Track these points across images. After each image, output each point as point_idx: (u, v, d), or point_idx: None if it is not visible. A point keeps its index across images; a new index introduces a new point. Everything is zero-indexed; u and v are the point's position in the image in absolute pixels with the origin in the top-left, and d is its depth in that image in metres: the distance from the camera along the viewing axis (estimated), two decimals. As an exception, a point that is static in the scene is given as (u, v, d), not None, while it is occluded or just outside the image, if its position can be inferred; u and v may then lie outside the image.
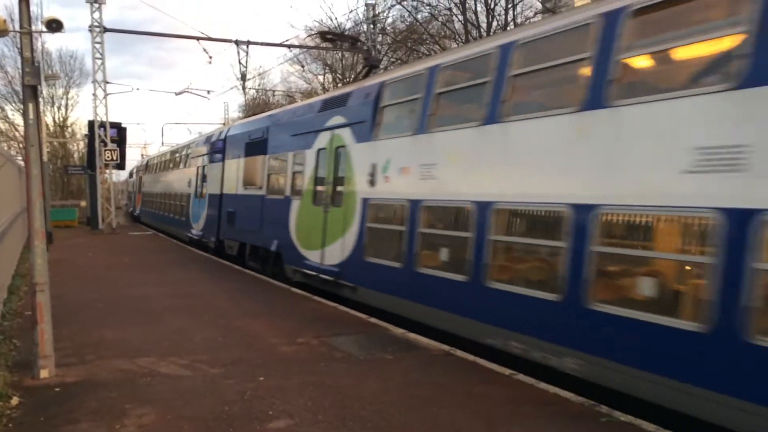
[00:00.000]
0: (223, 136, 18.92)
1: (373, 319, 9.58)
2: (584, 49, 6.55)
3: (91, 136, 28.01)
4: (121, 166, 29.99)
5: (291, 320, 9.46)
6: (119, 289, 12.16)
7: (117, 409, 5.60)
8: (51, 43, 66.88)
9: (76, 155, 53.64)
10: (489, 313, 7.54)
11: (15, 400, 5.76)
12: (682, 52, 6.02)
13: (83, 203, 36.20)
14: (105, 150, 26.95)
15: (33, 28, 6.88)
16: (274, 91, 44.75)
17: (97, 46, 26.30)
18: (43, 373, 6.49)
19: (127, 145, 30.29)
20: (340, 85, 33.43)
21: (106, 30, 26.13)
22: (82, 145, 44.37)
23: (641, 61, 6.33)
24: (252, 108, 45.39)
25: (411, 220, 9.00)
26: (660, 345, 5.48)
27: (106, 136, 27.12)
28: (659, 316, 5.54)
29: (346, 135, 11.23)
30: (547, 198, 6.86)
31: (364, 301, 10.31)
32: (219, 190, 18.33)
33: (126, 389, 6.15)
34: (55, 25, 6.92)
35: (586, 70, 6.51)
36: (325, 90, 35.31)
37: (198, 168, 21.42)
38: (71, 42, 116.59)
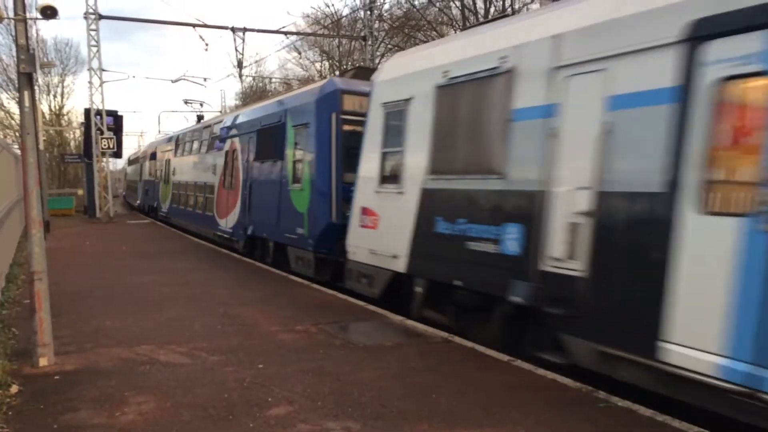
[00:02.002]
0: (145, 148, 38.26)
1: (371, 307, 9.61)
2: (206, 136, 20.60)
3: (87, 125, 27.90)
4: (117, 154, 29.89)
5: (290, 308, 9.48)
6: (117, 278, 12.17)
7: (116, 397, 5.61)
8: (46, 30, 66.64)
9: (72, 144, 53.41)
10: (188, 220, 22.62)
11: (14, 388, 5.77)
12: (205, 135, 20.75)
13: (80, 192, 36.16)
14: (101, 138, 26.87)
15: (27, 15, 6.80)
16: (271, 78, 44.55)
17: (93, 33, 26.14)
18: (42, 362, 6.50)
19: (123, 133, 30.16)
20: (336, 72, 33.26)
21: (101, 17, 25.96)
22: (78, 133, 44.25)
23: (222, 140, 18.79)
24: (249, 95, 45.21)
25: (177, 189, 24.19)
26: (204, 219, 19.73)
27: (102, 124, 27.03)
28: (207, 213, 19.46)
29: (199, 161, 22.88)
30: (203, 179, 19.87)
31: (173, 222, 25.43)
32: (146, 177, 33.65)
33: (125, 377, 6.16)
34: (49, 12, 6.83)
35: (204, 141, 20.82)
36: (322, 77, 35.09)
37: (141, 165, 36.05)
38: (67, 29, 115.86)
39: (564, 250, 6.19)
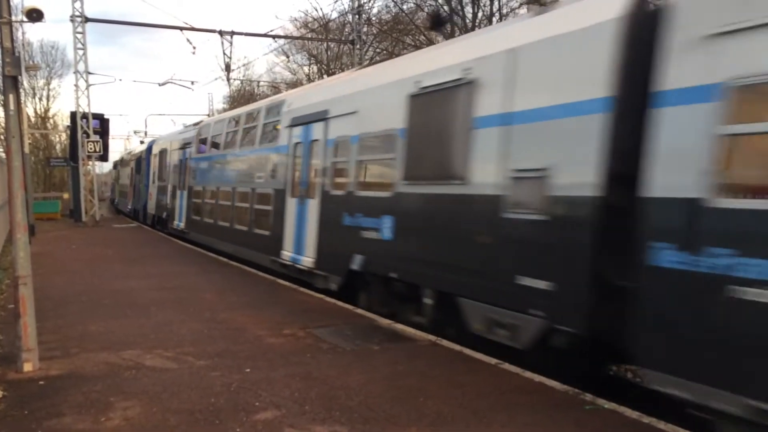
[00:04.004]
0: (114, 161, 51.00)
1: (359, 310, 9.61)
2: (129, 158, 39.89)
3: (73, 128, 27.69)
4: (104, 157, 29.72)
5: (277, 312, 9.46)
6: (103, 282, 12.08)
7: (102, 402, 5.57)
8: (33, 33, 66.33)
9: (58, 147, 53.10)
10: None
11: (-2, 394, 5.71)
12: (129, 158, 40.49)
13: (66, 195, 35.94)
14: (87, 141, 26.68)
15: (13, 17, 6.76)
16: (259, 82, 44.48)
17: (79, 36, 25.98)
18: (27, 367, 6.44)
19: (110, 137, 30.12)
20: (325, 75, 33.28)
21: (87, 20, 25.81)
22: (64, 136, 44.04)
23: None
24: (237, 99, 45.08)
25: (120, 188, 43.42)
26: (125, 204, 39.82)
27: (88, 127, 26.83)
28: (126, 200, 39.09)
29: (125, 171, 39.75)
30: (126, 182, 39.29)
31: (119, 209, 42.19)
32: (111, 181, 51.80)
33: (111, 382, 6.12)
34: (35, 15, 6.80)
35: (129, 161, 40.18)
36: (310, 80, 35.11)
37: (118, 170, 46.19)
38: (54, 32, 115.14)
39: (181, 209, 21.31)
